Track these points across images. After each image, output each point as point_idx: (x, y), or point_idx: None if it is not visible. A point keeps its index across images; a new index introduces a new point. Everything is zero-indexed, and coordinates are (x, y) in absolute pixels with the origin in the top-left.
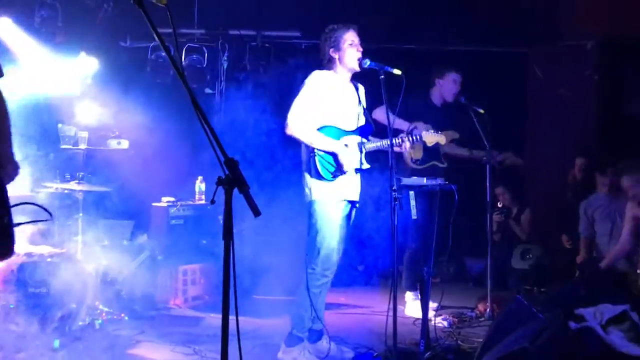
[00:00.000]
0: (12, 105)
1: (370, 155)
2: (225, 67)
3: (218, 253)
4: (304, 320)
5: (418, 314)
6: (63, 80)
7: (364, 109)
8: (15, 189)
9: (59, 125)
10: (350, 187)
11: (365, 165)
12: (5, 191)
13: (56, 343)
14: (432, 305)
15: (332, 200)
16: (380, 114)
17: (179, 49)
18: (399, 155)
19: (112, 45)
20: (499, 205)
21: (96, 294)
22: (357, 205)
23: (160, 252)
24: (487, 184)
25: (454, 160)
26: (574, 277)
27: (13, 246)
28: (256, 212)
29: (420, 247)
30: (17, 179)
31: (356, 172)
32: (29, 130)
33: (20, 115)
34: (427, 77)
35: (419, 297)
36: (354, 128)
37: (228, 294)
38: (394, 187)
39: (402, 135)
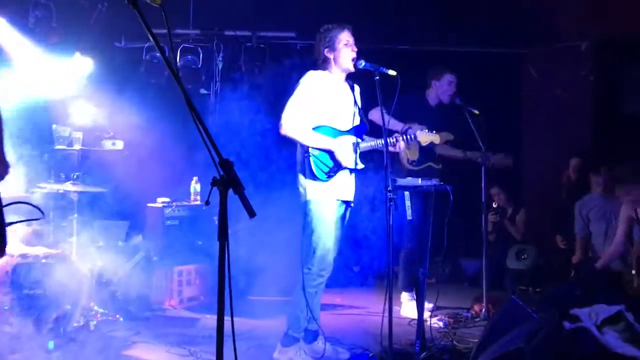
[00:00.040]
0: (6, 106)
1: (365, 156)
2: (220, 67)
3: (213, 254)
4: (299, 320)
5: (413, 314)
6: (58, 81)
7: (359, 109)
8: (10, 190)
9: (54, 126)
10: (344, 187)
11: (360, 166)
12: None
13: (51, 344)
14: (428, 305)
15: (327, 201)
16: (375, 115)
17: (174, 49)
18: (395, 156)
19: (107, 46)
20: (494, 205)
21: (91, 295)
22: (352, 205)
23: (156, 253)
24: (482, 185)
25: (448, 162)
26: (569, 278)
27: (5, 246)
28: (251, 213)
29: (416, 248)
30: (11, 179)
31: (351, 172)
32: (24, 131)
33: (14, 116)
34: (422, 78)
35: (415, 297)
36: (349, 128)
37: (223, 295)
38: (389, 188)
39: (396, 134)
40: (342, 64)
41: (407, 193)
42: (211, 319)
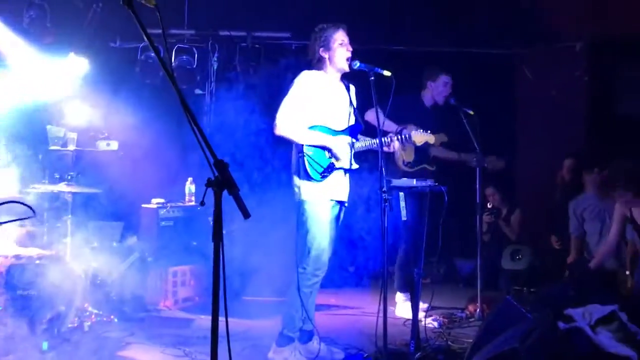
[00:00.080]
0: (1, 106)
1: (360, 156)
2: (215, 67)
3: (208, 254)
4: (294, 320)
5: (408, 314)
6: (52, 81)
7: (354, 108)
8: (4, 190)
9: (48, 127)
10: (339, 187)
11: (355, 166)
12: None
13: (45, 345)
14: (423, 306)
15: (321, 201)
16: (371, 116)
17: (169, 49)
18: (390, 157)
19: (102, 46)
20: (489, 206)
21: (85, 295)
22: (346, 205)
23: (150, 253)
24: (477, 185)
25: (443, 164)
26: (564, 278)
27: None
28: (246, 214)
29: (411, 248)
30: (6, 179)
31: (345, 173)
32: (18, 131)
33: (9, 117)
34: (417, 79)
35: (410, 298)
36: (344, 128)
37: (218, 296)
38: (384, 189)
39: (391, 134)
40: (337, 63)
41: (401, 194)
42: (206, 320)
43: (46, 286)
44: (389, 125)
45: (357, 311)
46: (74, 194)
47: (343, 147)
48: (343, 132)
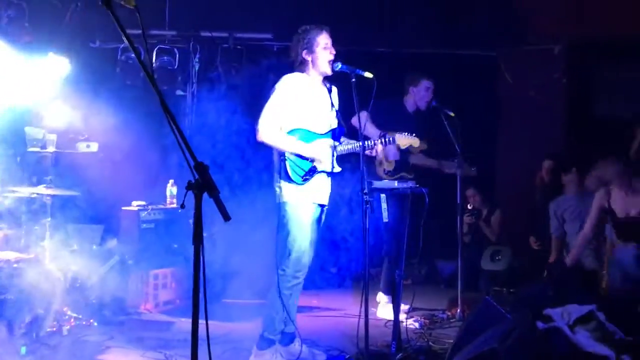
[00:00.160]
0: None
1: (342, 158)
2: (196, 69)
3: (189, 257)
4: (275, 322)
5: (390, 316)
6: (32, 82)
7: (336, 111)
8: None
9: (26, 128)
10: (320, 190)
11: (337, 169)
12: None
13: (23, 349)
14: (404, 307)
15: (303, 203)
16: (357, 121)
17: (150, 50)
18: (372, 159)
19: (82, 46)
20: (469, 207)
21: (64, 299)
22: (326, 207)
23: (131, 256)
24: (458, 187)
25: (422, 173)
26: (543, 278)
27: None
28: (226, 217)
29: (392, 250)
30: None
31: (328, 175)
32: None
33: None
34: (398, 81)
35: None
36: (326, 131)
37: (198, 299)
38: (365, 190)
39: (374, 138)
40: (320, 66)
41: (383, 195)
42: (187, 323)
43: (24, 290)
44: (373, 132)
45: (339, 313)
46: (53, 196)
47: (324, 154)
48: (325, 135)
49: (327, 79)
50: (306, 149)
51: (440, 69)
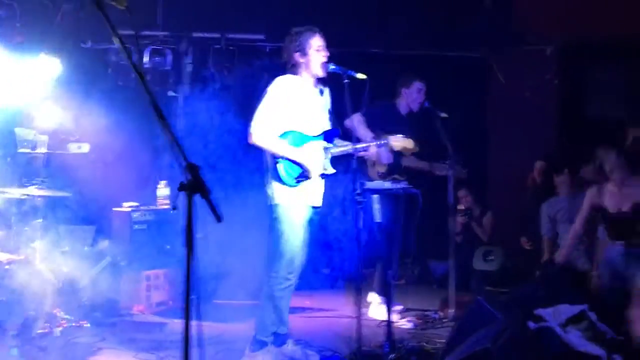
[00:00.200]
0: None
1: (336, 159)
2: (189, 69)
3: (182, 258)
4: (267, 324)
5: (382, 316)
6: (23, 82)
7: (329, 113)
8: None
9: (16, 129)
10: (314, 192)
11: (331, 170)
12: None
13: (14, 351)
14: (397, 307)
15: (295, 205)
16: (350, 123)
17: (142, 51)
18: (363, 165)
19: (73, 47)
20: (462, 207)
21: (56, 301)
22: (319, 209)
23: (123, 257)
24: (449, 187)
25: (414, 175)
26: (535, 278)
27: None
28: (218, 218)
29: (385, 250)
30: None
31: (321, 177)
32: None
33: None
34: (390, 82)
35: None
36: (319, 133)
37: (189, 300)
38: (358, 191)
39: (367, 140)
40: (313, 69)
41: (376, 196)
42: (179, 324)
43: (15, 291)
44: (366, 134)
45: (331, 313)
46: (44, 197)
47: (315, 158)
48: (318, 137)
49: (319, 80)
50: (297, 154)
51: (432, 71)
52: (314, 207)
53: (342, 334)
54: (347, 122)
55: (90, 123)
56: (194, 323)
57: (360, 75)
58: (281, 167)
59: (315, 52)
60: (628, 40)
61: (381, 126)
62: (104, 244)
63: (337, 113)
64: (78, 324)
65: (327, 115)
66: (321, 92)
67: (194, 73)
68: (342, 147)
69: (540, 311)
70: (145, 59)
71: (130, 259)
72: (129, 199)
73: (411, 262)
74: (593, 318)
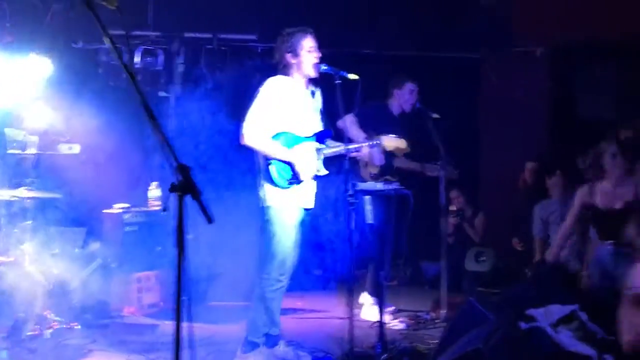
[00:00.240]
0: None
1: (328, 160)
2: (180, 70)
3: (173, 259)
4: (258, 325)
5: (374, 317)
6: (13, 82)
7: (321, 113)
8: None
9: (5, 130)
10: (306, 194)
11: (323, 172)
12: None
13: (4, 354)
14: (389, 308)
15: (288, 207)
16: (342, 123)
17: (134, 51)
18: (356, 166)
19: (63, 47)
20: (454, 208)
21: (46, 303)
22: (311, 210)
23: (114, 259)
24: (441, 188)
25: (405, 176)
26: (526, 278)
27: None
28: (209, 219)
29: (377, 251)
30: None
31: (314, 178)
32: None
33: None
34: (382, 82)
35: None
36: (311, 134)
37: (180, 301)
38: (350, 192)
39: (359, 140)
40: (305, 70)
41: (367, 197)
42: (170, 325)
43: (5, 293)
44: (358, 135)
45: (323, 314)
46: (34, 199)
47: (306, 160)
48: (310, 138)
49: (311, 80)
50: (289, 156)
51: (424, 71)
52: (306, 209)
53: (334, 335)
54: (340, 123)
55: (81, 124)
56: (185, 324)
57: (352, 76)
58: (273, 168)
59: (307, 53)
60: (619, 41)
61: (373, 127)
62: (94, 245)
63: (329, 114)
64: (68, 326)
65: (319, 116)
66: (313, 93)
67: (185, 73)
68: (334, 148)
69: (531, 311)
70: (137, 59)
71: (121, 261)
72: (119, 201)
73: (403, 263)
74: (584, 318)
